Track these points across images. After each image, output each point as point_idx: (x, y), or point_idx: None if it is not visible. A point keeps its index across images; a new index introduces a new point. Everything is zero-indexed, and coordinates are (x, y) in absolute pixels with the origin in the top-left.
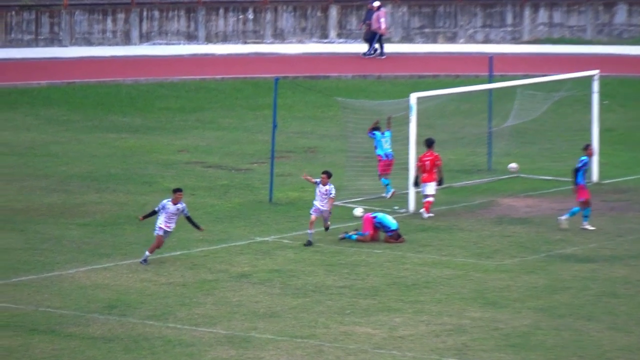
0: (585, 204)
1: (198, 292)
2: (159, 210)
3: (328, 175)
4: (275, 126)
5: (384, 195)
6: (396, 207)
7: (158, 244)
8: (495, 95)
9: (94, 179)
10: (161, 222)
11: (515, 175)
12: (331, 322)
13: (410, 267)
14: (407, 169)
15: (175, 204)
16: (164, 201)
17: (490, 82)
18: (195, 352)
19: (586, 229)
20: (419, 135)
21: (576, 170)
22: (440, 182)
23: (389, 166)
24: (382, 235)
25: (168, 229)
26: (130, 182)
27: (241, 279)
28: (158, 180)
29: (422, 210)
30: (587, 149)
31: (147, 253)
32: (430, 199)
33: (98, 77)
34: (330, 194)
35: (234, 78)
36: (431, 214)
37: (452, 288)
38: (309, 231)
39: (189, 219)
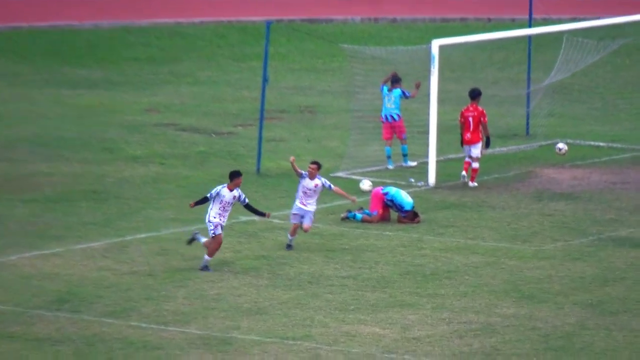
0: None
1: (168, 284)
2: (211, 197)
3: (318, 166)
4: (265, 80)
5: (403, 164)
6: (413, 180)
7: (218, 244)
8: (535, 43)
9: (44, 144)
10: (215, 214)
11: (562, 156)
12: (331, 320)
13: (428, 252)
14: (426, 132)
15: (231, 190)
16: (219, 187)
17: (530, 26)
18: (163, 356)
19: None
20: (441, 91)
21: None
22: (487, 143)
23: (390, 130)
24: (394, 214)
25: (223, 223)
26: (87, 148)
27: (221, 268)
28: (121, 146)
29: (463, 174)
30: None
31: (206, 258)
32: (476, 164)
33: (50, 19)
34: (327, 185)
35: (216, 22)
36: (475, 183)
37: (479, 279)
38: (289, 237)
39: (248, 206)
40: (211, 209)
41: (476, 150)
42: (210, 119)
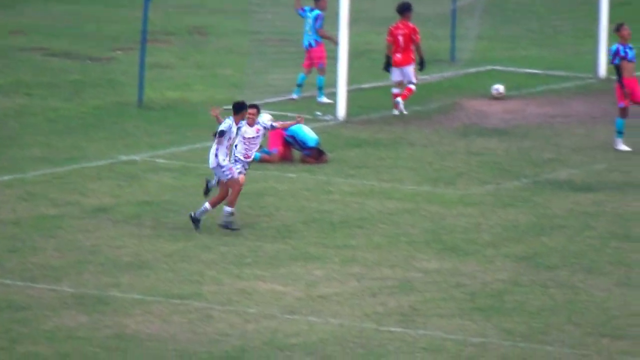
0: (623, 113)
1: (35, 234)
2: (225, 134)
3: (258, 109)
4: None
5: (317, 99)
6: (319, 114)
7: (240, 187)
8: None
9: None
10: (240, 150)
11: (499, 97)
12: (224, 275)
13: (337, 197)
14: (335, 58)
15: (252, 125)
16: (232, 123)
17: None
18: (30, 318)
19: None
20: (353, 10)
21: (617, 67)
22: (422, 65)
23: (309, 59)
24: (297, 153)
25: (249, 159)
26: None
27: (98, 215)
28: None
29: (398, 100)
30: (621, 29)
31: (228, 209)
32: (412, 85)
33: None
34: (269, 126)
35: None
36: (405, 111)
37: (396, 227)
38: (205, 204)
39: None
40: (218, 150)
41: (408, 74)
42: (84, 42)
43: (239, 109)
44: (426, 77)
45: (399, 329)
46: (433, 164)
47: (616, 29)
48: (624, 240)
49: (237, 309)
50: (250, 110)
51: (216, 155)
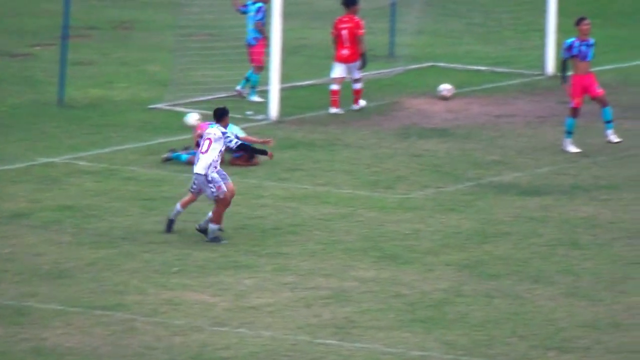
0: (574, 112)
1: None
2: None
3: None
4: None
5: (248, 97)
6: (250, 113)
7: (228, 202)
8: None
9: None
10: (216, 165)
11: (446, 97)
12: (149, 285)
13: (269, 202)
14: (266, 54)
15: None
16: (222, 129)
17: None
18: None
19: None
20: (287, 3)
21: (564, 62)
22: (363, 62)
23: (251, 55)
24: (226, 155)
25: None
26: None
27: (15, 220)
28: None
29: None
30: (580, 24)
31: (214, 227)
32: (358, 84)
33: None
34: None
35: None
36: (363, 103)
37: (331, 234)
38: (178, 208)
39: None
40: (215, 160)
41: (354, 71)
42: (2, 37)
43: (223, 115)
44: (364, 74)
45: (334, 342)
46: (371, 167)
47: (576, 23)
48: (571, 247)
49: (163, 320)
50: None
51: (208, 166)
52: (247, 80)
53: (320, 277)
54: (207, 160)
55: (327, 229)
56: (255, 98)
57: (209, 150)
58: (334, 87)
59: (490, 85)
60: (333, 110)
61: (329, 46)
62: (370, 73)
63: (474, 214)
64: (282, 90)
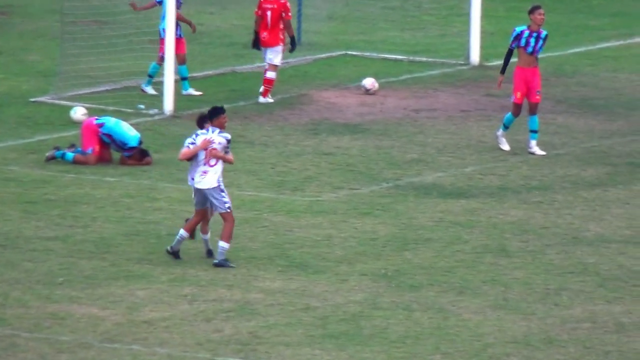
0: (515, 109)
1: None
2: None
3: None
4: None
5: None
6: (142, 106)
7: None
8: None
9: None
10: (221, 176)
11: (370, 92)
12: (31, 297)
13: (164, 206)
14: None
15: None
16: (219, 132)
17: None
18: None
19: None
20: None
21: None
22: (292, 46)
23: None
24: (116, 154)
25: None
26: None
27: None
28: None
29: (260, 93)
30: (534, 12)
31: (224, 246)
32: (272, 74)
33: None
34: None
35: None
36: (269, 98)
37: (234, 241)
38: (203, 236)
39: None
40: (215, 169)
41: (272, 55)
42: None
43: (215, 115)
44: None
45: None
46: (277, 167)
47: (529, 11)
48: (500, 255)
49: (47, 336)
50: (223, 116)
51: (219, 179)
52: (151, 75)
53: (221, 288)
54: (217, 172)
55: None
56: (150, 90)
57: (217, 162)
58: (270, 74)
59: (409, 76)
60: (264, 100)
61: (228, 33)
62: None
63: (392, 218)
64: (177, 82)
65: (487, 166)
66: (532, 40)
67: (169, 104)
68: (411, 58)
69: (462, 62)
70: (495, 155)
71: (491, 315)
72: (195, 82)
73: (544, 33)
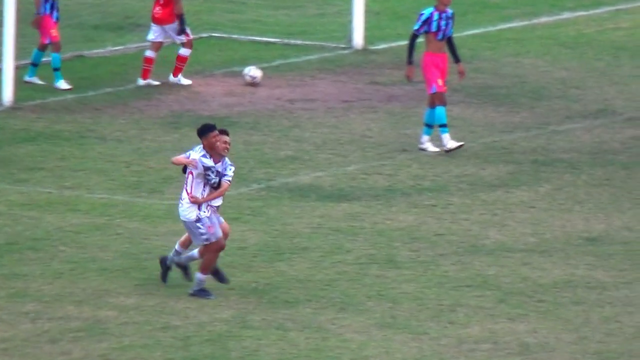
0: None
1: None
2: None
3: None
4: None
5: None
6: None
7: (218, 251)
8: None
9: None
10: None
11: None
12: None
13: (3, 210)
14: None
15: (212, 157)
16: (197, 152)
17: None
18: None
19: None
20: None
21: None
22: (181, 25)
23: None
24: None
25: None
26: None
27: None
28: None
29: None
30: None
31: (201, 277)
32: (186, 50)
33: None
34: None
35: None
36: (181, 79)
37: (82, 250)
38: (177, 249)
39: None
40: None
41: (173, 34)
42: None
43: (203, 133)
44: (119, 47)
45: None
46: (132, 165)
47: None
48: (387, 266)
49: None
50: (223, 138)
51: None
52: (35, 65)
53: (69, 305)
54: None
55: (76, 244)
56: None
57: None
58: (148, 53)
59: (283, 62)
60: (142, 82)
61: (76, 13)
62: (128, 47)
63: (264, 224)
64: (18, 68)
65: (372, 164)
66: (443, 24)
67: (7, 94)
68: (285, 41)
69: (344, 46)
70: (381, 152)
71: (377, 335)
72: (41, 68)
73: (450, 12)
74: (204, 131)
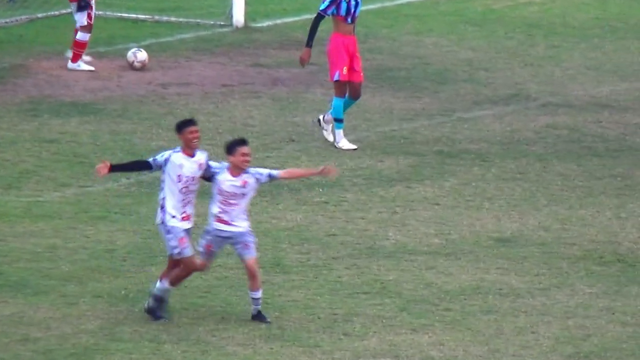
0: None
1: None
2: (155, 166)
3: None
4: None
5: None
6: None
7: (190, 271)
8: None
9: None
10: (174, 210)
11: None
12: None
13: None
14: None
15: (191, 155)
16: (167, 152)
17: None
18: None
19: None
20: None
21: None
22: (80, 3)
23: None
24: None
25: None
26: None
27: None
28: None
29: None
30: None
31: (163, 287)
32: (84, 35)
33: None
34: (266, 177)
35: None
36: (81, 64)
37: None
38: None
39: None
40: (164, 198)
41: (77, 16)
42: None
43: (181, 128)
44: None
45: None
46: None
47: None
48: (273, 270)
49: None
50: (244, 149)
51: (162, 207)
52: None
53: None
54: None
55: None
56: None
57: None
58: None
59: (154, 41)
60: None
61: None
62: None
63: (134, 223)
64: None
65: (255, 156)
66: (352, 5)
67: None
68: (157, 18)
69: (223, 23)
70: (266, 142)
71: (262, 348)
72: None
73: None
74: (188, 125)
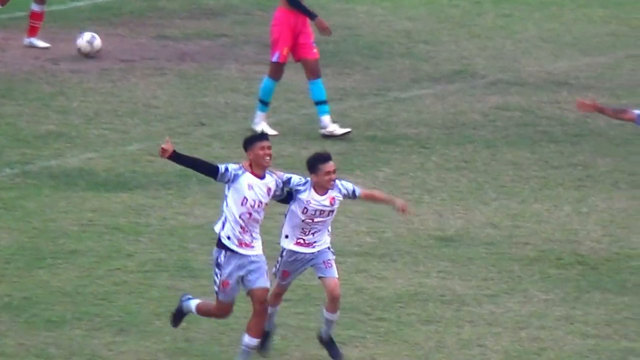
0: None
1: None
2: (219, 175)
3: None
4: None
5: None
6: None
7: (220, 313)
8: None
9: None
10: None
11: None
12: None
13: None
14: None
15: (259, 176)
16: (234, 167)
17: None
18: None
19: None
20: None
21: None
22: None
23: None
24: None
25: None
26: None
27: None
28: None
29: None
30: None
31: (190, 306)
32: (39, 5)
33: None
34: (350, 193)
35: None
36: (36, 41)
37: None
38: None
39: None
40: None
41: None
42: None
43: (249, 144)
44: None
45: None
46: None
47: None
48: (181, 274)
49: None
50: (328, 166)
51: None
52: None
53: None
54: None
55: None
56: None
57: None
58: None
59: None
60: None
61: None
62: None
63: (19, 221)
64: None
65: (159, 143)
66: None
67: None
68: None
69: None
70: (172, 126)
71: None
72: None
73: None
74: (257, 140)
